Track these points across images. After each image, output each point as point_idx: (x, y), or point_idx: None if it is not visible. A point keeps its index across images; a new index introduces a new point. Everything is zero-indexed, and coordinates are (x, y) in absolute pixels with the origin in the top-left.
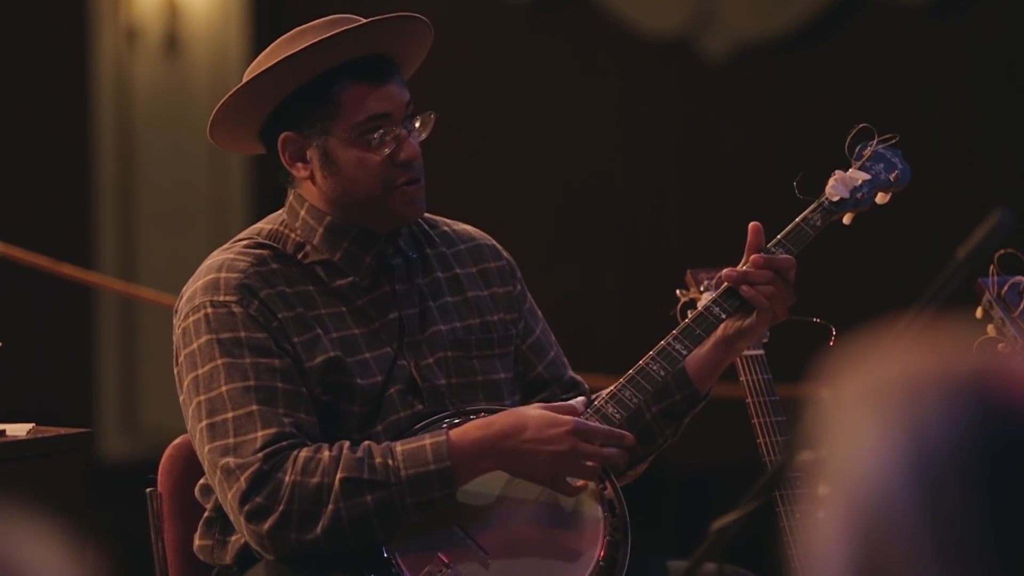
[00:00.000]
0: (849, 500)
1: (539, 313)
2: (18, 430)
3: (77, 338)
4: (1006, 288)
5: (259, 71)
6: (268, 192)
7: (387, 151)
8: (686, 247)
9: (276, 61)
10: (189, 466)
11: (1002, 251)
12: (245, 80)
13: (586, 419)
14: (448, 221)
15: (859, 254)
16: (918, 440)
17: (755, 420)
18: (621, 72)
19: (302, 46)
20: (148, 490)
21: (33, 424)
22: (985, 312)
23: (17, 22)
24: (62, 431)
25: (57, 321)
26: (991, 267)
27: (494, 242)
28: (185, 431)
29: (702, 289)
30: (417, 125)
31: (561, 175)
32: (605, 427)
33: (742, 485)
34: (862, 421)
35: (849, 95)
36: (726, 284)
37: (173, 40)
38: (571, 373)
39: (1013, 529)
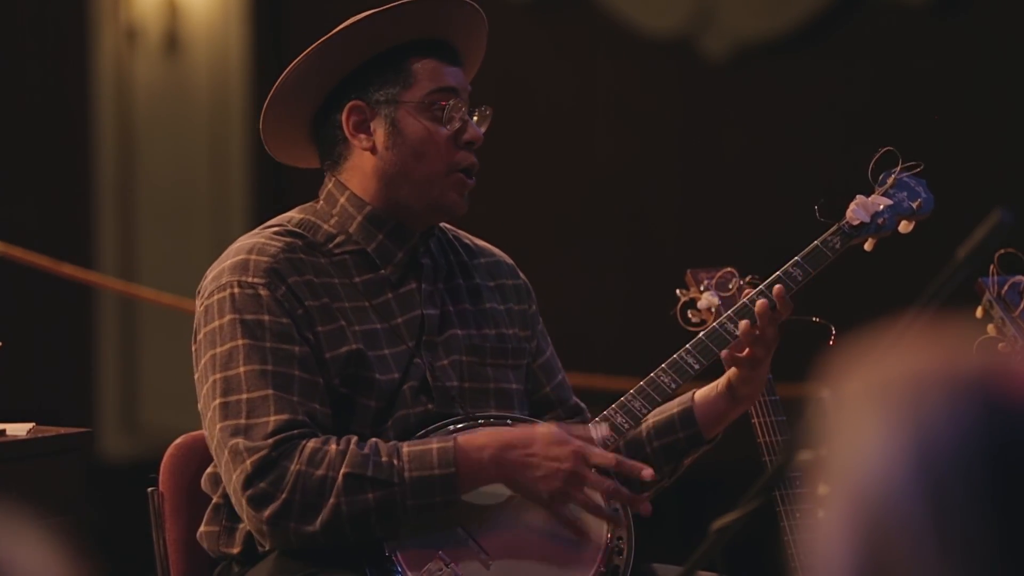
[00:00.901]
0: (852, 499)
1: (548, 337)
2: (18, 430)
3: (77, 338)
4: (1006, 288)
5: (337, 30)
6: (268, 193)
7: (456, 126)
8: (686, 247)
9: (359, 18)
10: (191, 465)
11: (1002, 251)
12: (320, 41)
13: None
14: (470, 236)
15: (859, 253)
16: (921, 439)
17: (755, 420)
18: (621, 72)
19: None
20: (150, 490)
21: (33, 424)
22: (985, 312)
23: (17, 22)
24: (62, 431)
25: (57, 321)
26: (991, 267)
27: (512, 262)
28: (187, 430)
29: (702, 289)
30: (476, 118)
31: (561, 175)
32: (610, 455)
33: (742, 485)
34: (865, 420)
35: (849, 95)
36: (741, 301)
37: (173, 40)
38: (575, 399)
39: (1016, 528)
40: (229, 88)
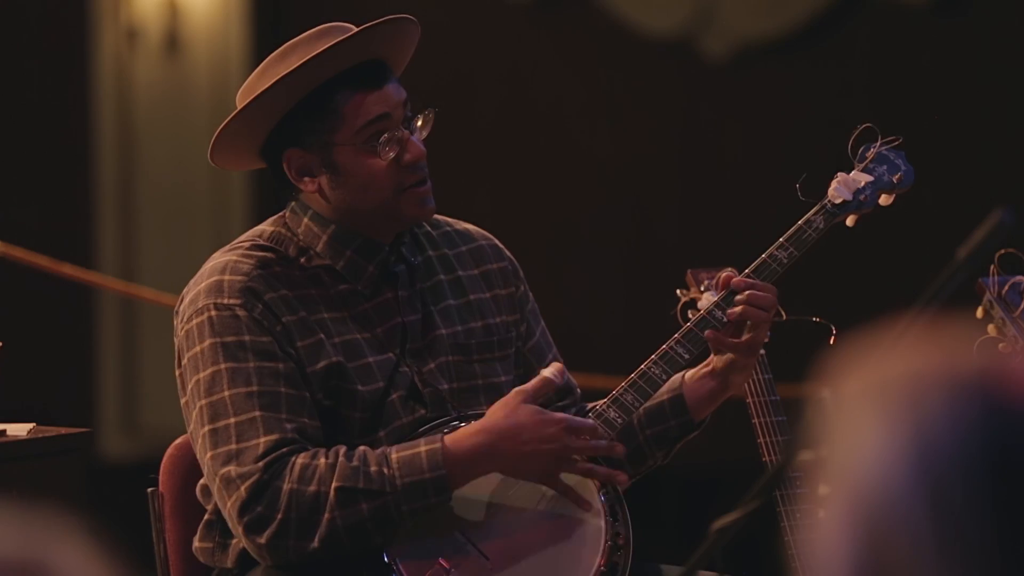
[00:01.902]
0: (852, 499)
1: (540, 316)
2: (18, 430)
3: (77, 338)
4: (1006, 288)
5: (254, 95)
6: (268, 192)
7: (392, 154)
8: (686, 247)
9: (271, 84)
10: (191, 466)
11: (1002, 251)
12: (241, 105)
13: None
14: (450, 220)
15: (859, 253)
16: (921, 439)
17: (755, 420)
18: (621, 72)
19: (295, 62)
20: (150, 490)
21: (33, 424)
22: (985, 312)
23: (17, 22)
24: (62, 431)
25: (57, 321)
26: (991, 267)
27: (496, 242)
28: (186, 431)
29: (702, 289)
30: (419, 124)
31: (561, 175)
32: (593, 423)
33: (742, 485)
34: (865, 420)
35: (849, 95)
36: (729, 288)
37: (173, 40)
38: (567, 378)
39: (1016, 528)
40: (229, 88)
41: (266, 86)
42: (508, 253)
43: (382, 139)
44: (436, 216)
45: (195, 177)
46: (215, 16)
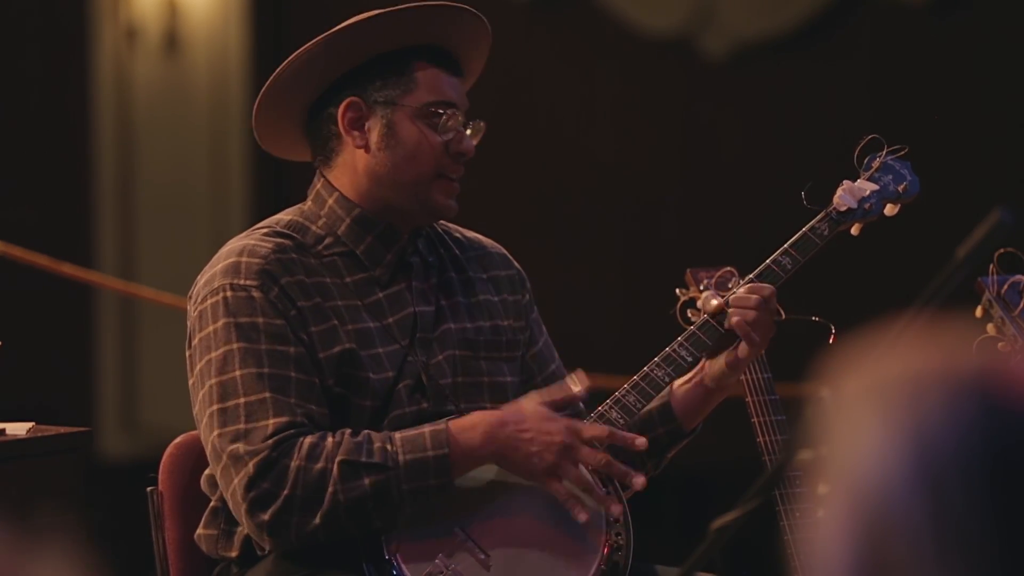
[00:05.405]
0: (851, 499)
1: (543, 327)
2: (18, 429)
3: (77, 338)
4: (1006, 287)
5: (347, 25)
6: (268, 192)
7: (450, 136)
8: (686, 247)
9: (374, 14)
10: (191, 465)
11: (1002, 250)
12: (329, 34)
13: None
14: (460, 228)
15: (859, 253)
16: (920, 438)
17: (755, 419)
18: (621, 72)
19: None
20: (149, 489)
21: (33, 423)
22: (985, 311)
23: (17, 22)
24: (62, 430)
25: (57, 321)
26: (991, 266)
27: (505, 251)
28: (186, 429)
29: (702, 288)
30: (468, 132)
31: (561, 174)
32: (601, 427)
33: (742, 484)
34: (864, 420)
35: (848, 95)
36: (732, 292)
37: (173, 40)
38: None
39: (1015, 528)
40: (229, 88)
41: (359, 19)
42: (516, 263)
43: (445, 116)
44: (447, 224)
45: (195, 176)
46: (215, 16)
